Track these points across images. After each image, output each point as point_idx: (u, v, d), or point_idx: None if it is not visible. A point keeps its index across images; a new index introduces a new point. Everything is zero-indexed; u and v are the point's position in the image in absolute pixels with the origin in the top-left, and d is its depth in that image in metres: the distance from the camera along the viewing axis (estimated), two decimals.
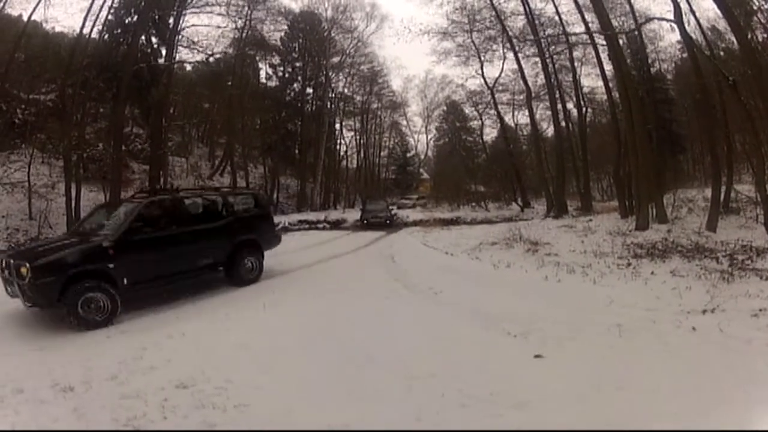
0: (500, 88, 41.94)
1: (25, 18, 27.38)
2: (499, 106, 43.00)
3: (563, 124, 35.99)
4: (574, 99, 36.33)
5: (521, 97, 41.02)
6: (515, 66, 37.42)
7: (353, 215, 35.49)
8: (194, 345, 7.64)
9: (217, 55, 37.56)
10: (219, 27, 35.40)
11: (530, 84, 37.03)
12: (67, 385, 5.95)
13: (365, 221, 32.21)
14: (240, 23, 36.80)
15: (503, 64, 39.53)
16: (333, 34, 45.84)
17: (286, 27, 44.29)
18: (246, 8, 36.59)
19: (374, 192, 50.01)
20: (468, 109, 50.70)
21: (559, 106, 35.76)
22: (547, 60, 33.88)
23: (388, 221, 32.07)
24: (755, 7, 22.10)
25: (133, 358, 6.96)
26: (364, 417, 5.25)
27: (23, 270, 8.76)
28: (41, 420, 5.18)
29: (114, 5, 29.90)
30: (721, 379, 5.83)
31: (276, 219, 30.78)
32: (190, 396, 5.74)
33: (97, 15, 28.32)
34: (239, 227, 12.77)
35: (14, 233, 23.46)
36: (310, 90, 47.03)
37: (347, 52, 47.24)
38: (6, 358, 7.05)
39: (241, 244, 12.69)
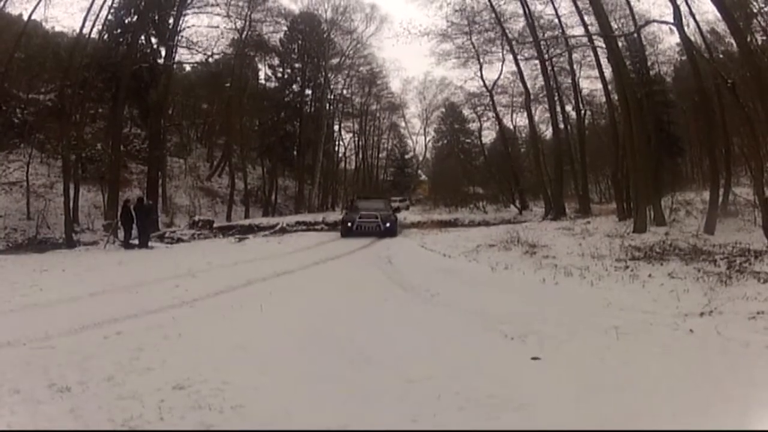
0: (499, 90, 41.83)
1: (25, 17, 27.43)
2: (498, 108, 42.86)
3: (562, 126, 35.92)
4: (573, 101, 36.28)
5: (520, 100, 40.96)
6: (514, 68, 37.44)
7: None
8: (191, 346, 7.62)
9: (217, 56, 37.48)
10: (218, 28, 35.35)
11: (529, 86, 37.02)
12: (63, 385, 5.91)
13: (350, 224, 25.87)
14: (239, 24, 36.71)
15: (502, 66, 39.45)
16: (332, 36, 45.75)
17: (285, 28, 44.17)
18: (246, 9, 36.52)
19: (370, 191, 49.83)
20: (467, 111, 50.42)
21: (558, 108, 35.78)
22: (546, 62, 33.78)
23: (387, 224, 25.65)
24: (755, 10, 22.14)
25: (130, 359, 6.92)
26: (361, 418, 5.23)
27: None
28: (38, 420, 5.15)
29: (114, 5, 29.92)
30: (719, 381, 5.84)
31: (274, 220, 31.06)
32: (186, 397, 5.72)
33: (97, 15, 28.39)
34: None
35: (12, 233, 23.47)
36: (309, 91, 46.89)
37: (346, 53, 47.16)
38: (1, 359, 7.04)
39: None
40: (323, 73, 46.32)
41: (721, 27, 22.38)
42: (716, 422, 4.79)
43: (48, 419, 5.17)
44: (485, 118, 46.84)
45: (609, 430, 4.94)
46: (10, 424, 5.06)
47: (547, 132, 41.28)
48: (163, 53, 33.39)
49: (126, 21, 31.42)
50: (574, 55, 33.62)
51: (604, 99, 30.80)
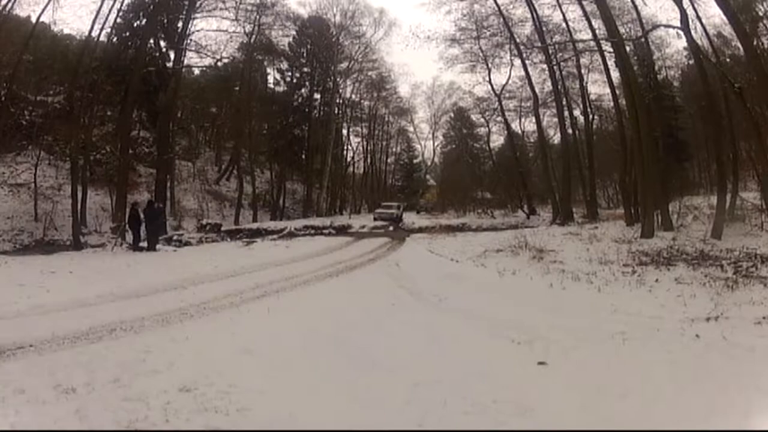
0: (507, 95, 41.53)
1: (33, 19, 27.50)
2: (506, 113, 42.53)
3: (570, 131, 35.80)
4: (581, 106, 36.22)
5: (528, 104, 40.71)
6: (522, 73, 37.24)
7: (359, 221, 35.48)
8: (198, 349, 7.63)
9: (226, 60, 37.33)
10: (228, 32, 35.23)
11: (537, 91, 36.76)
12: (69, 386, 5.94)
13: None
14: (249, 28, 36.68)
15: (510, 71, 39.24)
16: (341, 40, 45.70)
17: (294, 32, 44.14)
18: (255, 13, 36.51)
19: (383, 198, 51.20)
20: (475, 116, 50.18)
21: (566, 113, 35.65)
22: (555, 67, 33.75)
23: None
24: (761, 14, 22.11)
25: (136, 361, 6.95)
26: (367, 422, 5.24)
27: None
28: (42, 420, 5.16)
29: (123, 8, 29.97)
30: (725, 386, 5.83)
31: (282, 224, 31.07)
32: (192, 399, 5.74)
33: (106, 18, 28.38)
34: None
35: (19, 234, 23.53)
36: (317, 95, 46.79)
37: (355, 57, 47.04)
38: (8, 359, 7.06)
39: None
40: (332, 77, 46.27)
41: (728, 30, 22.30)
42: (720, 427, 4.80)
43: (53, 420, 5.18)
44: (493, 123, 46.67)
45: (609, 430, 4.96)
46: (14, 424, 5.09)
47: (556, 137, 41.21)
48: (172, 57, 33.40)
49: (135, 24, 31.48)
50: (582, 60, 33.60)
51: (612, 103, 30.60)
